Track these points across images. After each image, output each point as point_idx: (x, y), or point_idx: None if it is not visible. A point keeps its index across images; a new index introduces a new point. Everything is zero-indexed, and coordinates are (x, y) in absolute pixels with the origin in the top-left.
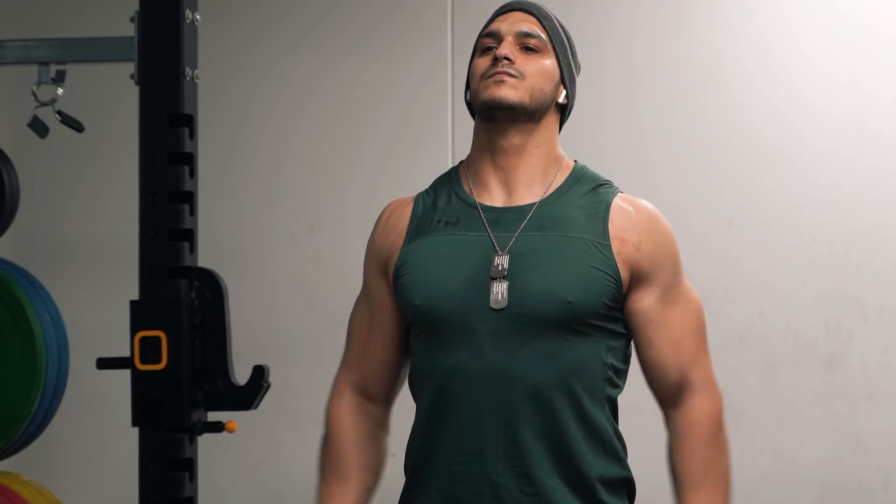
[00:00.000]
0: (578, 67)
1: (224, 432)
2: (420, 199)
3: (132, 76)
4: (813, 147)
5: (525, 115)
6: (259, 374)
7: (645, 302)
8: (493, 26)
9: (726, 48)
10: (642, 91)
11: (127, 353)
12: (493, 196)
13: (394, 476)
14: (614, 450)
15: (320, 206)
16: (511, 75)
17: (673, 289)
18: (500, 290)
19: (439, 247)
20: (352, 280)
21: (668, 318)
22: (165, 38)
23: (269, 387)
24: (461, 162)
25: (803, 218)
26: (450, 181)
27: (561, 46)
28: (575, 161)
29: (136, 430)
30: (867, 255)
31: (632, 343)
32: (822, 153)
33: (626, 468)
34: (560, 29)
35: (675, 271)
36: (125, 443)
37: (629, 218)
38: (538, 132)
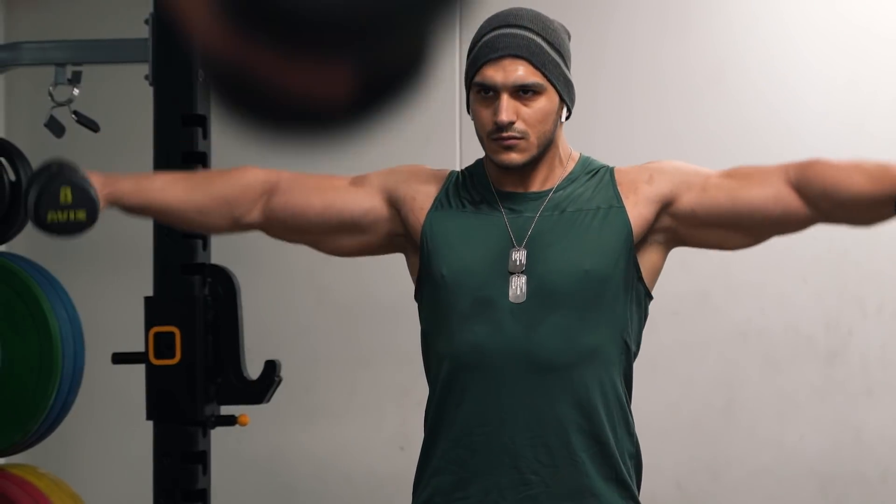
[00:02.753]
0: (570, 54)
1: (236, 426)
2: (452, 175)
3: (146, 77)
4: (812, 148)
5: (539, 157)
6: (271, 368)
7: (693, 195)
8: (488, 77)
9: (725, 51)
10: (641, 94)
11: (141, 349)
12: (515, 185)
13: (405, 470)
14: (628, 424)
15: None
16: (517, 138)
17: (711, 174)
18: (518, 285)
19: (463, 224)
20: (362, 276)
21: (726, 182)
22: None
23: (280, 381)
24: (485, 156)
25: None
26: (476, 169)
27: (556, 73)
28: (580, 153)
29: (150, 423)
30: (866, 252)
31: (643, 321)
32: (822, 154)
33: (636, 443)
34: (551, 53)
35: (704, 173)
36: (139, 436)
37: (633, 171)
38: (551, 144)
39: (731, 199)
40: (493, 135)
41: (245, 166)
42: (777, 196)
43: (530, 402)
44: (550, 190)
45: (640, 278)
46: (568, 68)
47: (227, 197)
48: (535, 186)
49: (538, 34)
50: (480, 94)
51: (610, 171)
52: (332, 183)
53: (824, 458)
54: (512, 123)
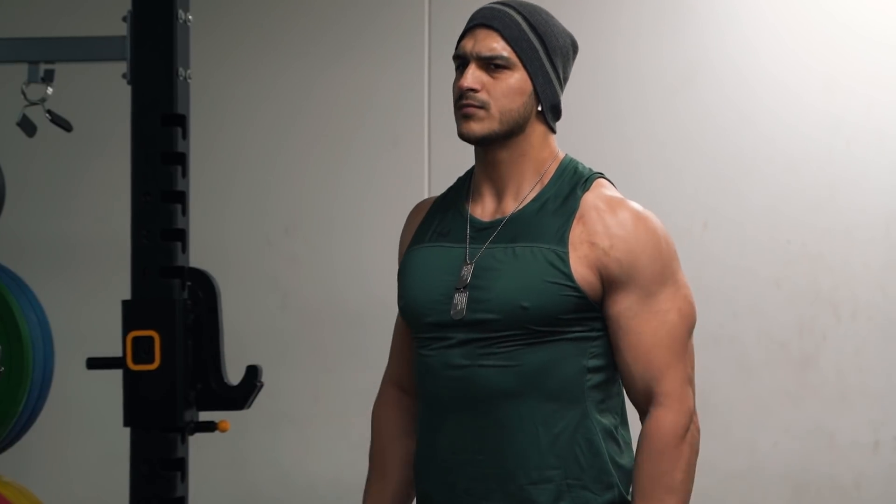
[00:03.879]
0: (565, 57)
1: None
2: (436, 202)
3: (124, 75)
4: (786, 151)
5: (501, 137)
6: (252, 373)
7: (617, 307)
8: (461, 46)
9: (702, 52)
10: (618, 95)
11: (110, 354)
12: (485, 208)
13: None
14: (595, 452)
15: (296, 207)
16: (476, 107)
17: (653, 295)
18: (459, 301)
19: (426, 257)
20: (325, 280)
21: (637, 327)
22: (158, 37)
23: (262, 386)
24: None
25: (777, 220)
26: (458, 187)
27: (530, 54)
28: (565, 155)
29: (117, 431)
30: (840, 256)
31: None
32: (796, 157)
33: (607, 470)
34: (529, 34)
35: (657, 276)
36: (105, 444)
37: (603, 221)
38: (523, 142)
39: (614, 344)
40: (457, 103)
41: (374, 410)
42: (629, 384)
43: (474, 432)
44: (504, 219)
45: (607, 313)
46: (552, 62)
47: (402, 432)
48: (505, 204)
49: (520, 13)
50: (457, 68)
51: (575, 209)
52: (397, 322)
53: (798, 463)
54: (474, 91)
